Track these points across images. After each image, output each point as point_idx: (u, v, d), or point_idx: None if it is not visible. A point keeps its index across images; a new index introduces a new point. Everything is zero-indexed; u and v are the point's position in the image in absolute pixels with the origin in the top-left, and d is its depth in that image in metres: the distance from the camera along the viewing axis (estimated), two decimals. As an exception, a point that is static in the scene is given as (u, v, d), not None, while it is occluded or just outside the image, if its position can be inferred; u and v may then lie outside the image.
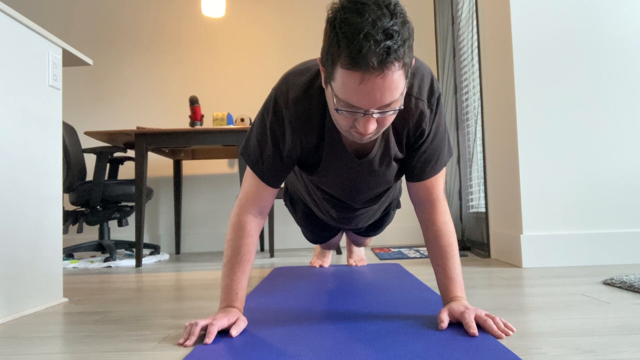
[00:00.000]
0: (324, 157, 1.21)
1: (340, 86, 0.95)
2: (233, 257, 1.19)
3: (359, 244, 2.28)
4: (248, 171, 1.24)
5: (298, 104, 1.13)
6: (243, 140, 1.25)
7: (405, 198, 3.88)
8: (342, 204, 1.49)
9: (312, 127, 1.15)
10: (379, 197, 1.49)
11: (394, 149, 1.21)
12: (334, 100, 0.99)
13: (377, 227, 1.92)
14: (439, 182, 1.25)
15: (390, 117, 1.02)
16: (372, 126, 0.99)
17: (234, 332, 1.09)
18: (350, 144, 1.20)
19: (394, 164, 1.26)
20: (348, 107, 0.97)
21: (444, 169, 1.26)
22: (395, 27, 0.90)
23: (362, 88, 0.92)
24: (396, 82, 0.93)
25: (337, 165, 1.24)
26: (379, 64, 0.89)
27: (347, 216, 1.60)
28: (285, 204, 1.91)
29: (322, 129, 1.16)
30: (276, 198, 3.35)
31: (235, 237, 1.21)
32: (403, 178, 2.29)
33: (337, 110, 0.98)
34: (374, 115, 0.97)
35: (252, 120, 3.86)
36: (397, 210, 3.98)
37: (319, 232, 1.91)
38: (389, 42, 0.89)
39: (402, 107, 1.00)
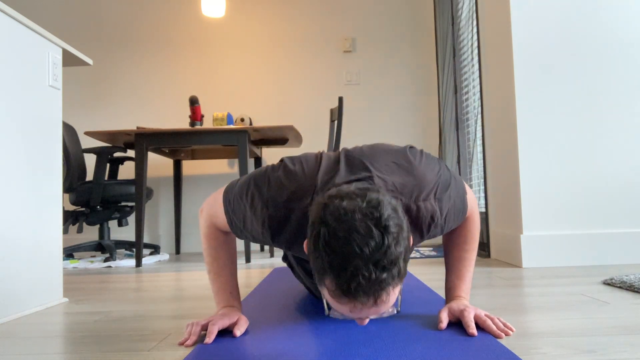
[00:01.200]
0: (305, 255, 1.10)
1: (330, 300, 0.86)
2: (214, 263, 1.19)
3: None
4: (220, 200, 1.15)
5: (276, 210, 1.03)
6: (234, 181, 1.16)
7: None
8: None
9: (285, 234, 1.05)
10: None
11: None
12: (325, 302, 0.92)
13: None
14: (470, 206, 1.18)
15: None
16: (367, 321, 0.95)
17: (238, 332, 1.09)
18: None
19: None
20: (340, 315, 0.91)
21: (469, 208, 1.17)
22: (387, 254, 0.81)
23: (354, 313, 0.86)
24: (391, 299, 0.86)
25: None
26: (369, 298, 0.82)
27: None
28: (284, 262, 1.80)
29: (299, 235, 1.05)
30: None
31: (209, 245, 1.20)
32: None
33: (329, 308, 0.92)
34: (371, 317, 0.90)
35: (252, 121, 3.87)
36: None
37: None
38: (381, 276, 0.80)
39: (399, 310, 0.94)
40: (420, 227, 1.06)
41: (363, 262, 0.80)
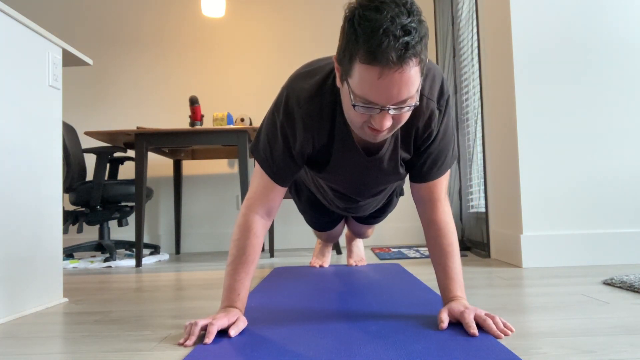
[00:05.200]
0: (334, 155, 1.22)
1: (358, 82, 0.96)
2: (238, 257, 1.20)
3: (360, 234, 2.28)
4: (257, 169, 1.24)
5: (310, 102, 1.14)
6: (253, 138, 1.24)
7: (407, 198, 3.88)
8: (348, 197, 1.51)
9: (324, 125, 1.16)
10: (384, 190, 1.51)
11: (403, 147, 1.22)
12: (351, 96, 0.99)
13: (379, 214, 1.95)
14: (443, 183, 1.26)
15: (406, 114, 1.03)
16: (388, 122, 1.00)
17: (233, 332, 1.09)
18: (361, 142, 1.21)
19: (402, 162, 1.27)
20: (365, 103, 0.98)
21: (449, 170, 1.26)
22: (413, 24, 0.92)
23: (380, 83, 0.93)
24: (413, 78, 0.95)
25: (347, 163, 1.25)
26: (397, 59, 0.91)
27: (352, 206, 1.63)
28: (289, 191, 1.92)
29: (333, 128, 1.17)
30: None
31: (242, 237, 1.21)
32: None
33: (354, 106, 0.99)
34: (390, 112, 0.98)
35: (252, 121, 3.87)
36: (397, 210, 3.98)
37: (322, 218, 1.95)
38: (407, 38, 0.91)
39: (417, 104, 1.02)
40: (418, 120, 1.16)
41: (394, 27, 0.91)
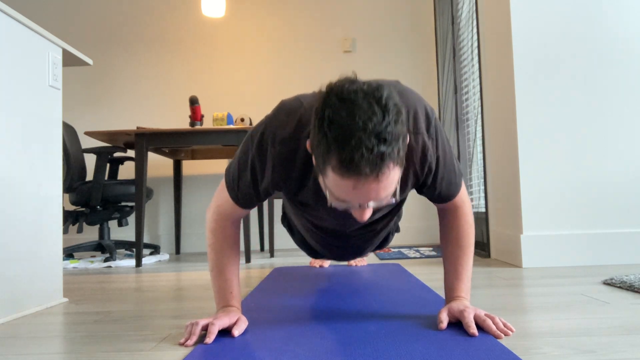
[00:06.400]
0: (310, 199, 1.16)
1: (333, 186, 0.90)
2: (219, 259, 1.19)
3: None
4: (223, 186, 1.20)
5: (284, 145, 1.06)
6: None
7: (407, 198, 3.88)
8: (337, 238, 1.44)
9: (295, 173, 1.09)
10: (376, 230, 1.44)
11: (401, 189, 1.13)
12: (327, 192, 0.94)
13: (374, 248, 1.85)
14: (462, 191, 1.22)
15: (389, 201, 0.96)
16: (369, 213, 0.96)
17: (236, 332, 1.09)
18: None
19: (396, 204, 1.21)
20: (342, 202, 0.93)
21: (459, 170, 1.21)
22: (388, 129, 0.85)
23: (356, 192, 0.88)
24: (392, 179, 0.89)
25: (325, 210, 1.19)
26: (372, 171, 0.85)
27: (344, 252, 1.57)
28: (283, 224, 1.85)
29: (306, 177, 1.10)
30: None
31: (216, 240, 1.20)
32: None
33: (331, 202, 0.94)
34: (370, 205, 0.92)
35: (252, 121, 3.87)
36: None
37: (317, 255, 1.82)
38: (382, 148, 0.84)
39: (398, 198, 0.95)
40: (413, 160, 1.08)
41: (366, 136, 0.84)
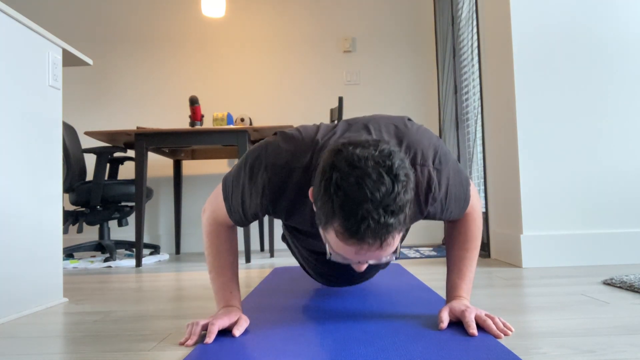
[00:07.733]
0: (306, 226, 1.14)
1: (334, 244, 0.89)
2: (217, 260, 1.19)
3: None
4: (220, 191, 1.18)
5: (275, 173, 1.04)
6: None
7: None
8: (332, 268, 1.43)
9: (285, 201, 1.07)
10: (377, 267, 1.43)
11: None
12: (326, 245, 0.93)
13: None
14: (471, 200, 1.20)
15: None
16: (366, 266, 0.97)
17: (237, 332, 1.09)
18: None
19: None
20: (342, 258, 0.92)
21: (470, 188, 1.19)
22: (397, 200, 0.84)
23: (358, 256, 0.89)
24: (394, 244, 0.89)
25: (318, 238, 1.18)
26: (375, 241, 0.85)
27: (337, 277, 1.55)
28: (283, 241, 1.81)
29: (293, 210, 1.09)
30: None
31: (213, 242, 1.20)
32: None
33: (330, 254, 0.94)
34: (370, 262, 0.93)
35: (252, 121, 3.87)
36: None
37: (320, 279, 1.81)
38: (389, 220, 0.84)
39: (399, 255, 0.95)
40: (417, 194, 1.06)
41: (374, 207, 0.83)
